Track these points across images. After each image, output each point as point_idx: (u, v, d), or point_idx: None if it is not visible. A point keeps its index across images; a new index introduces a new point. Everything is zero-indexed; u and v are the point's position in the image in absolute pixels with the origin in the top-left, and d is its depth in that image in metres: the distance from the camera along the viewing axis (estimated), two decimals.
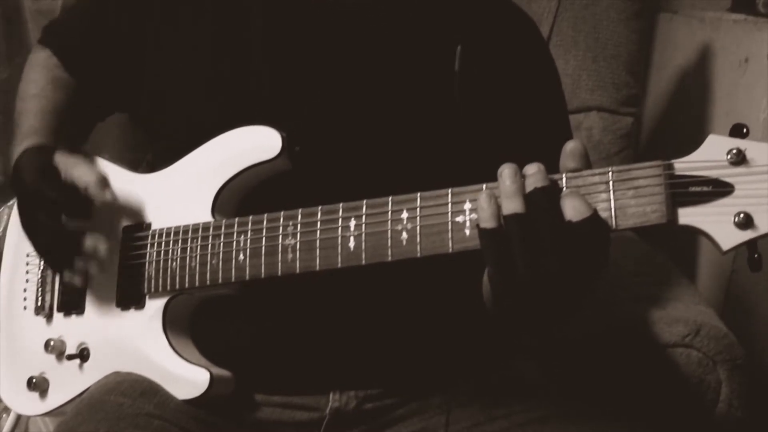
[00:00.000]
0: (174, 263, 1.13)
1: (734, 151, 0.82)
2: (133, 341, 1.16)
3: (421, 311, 1.19)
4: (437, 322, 1.20)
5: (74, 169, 1.14)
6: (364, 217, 0.99)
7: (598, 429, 1.11)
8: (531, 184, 0.86)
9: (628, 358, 1.40)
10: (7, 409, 1.40)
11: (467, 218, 0.92)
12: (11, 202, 1.44)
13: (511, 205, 0.86)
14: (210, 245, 1.11)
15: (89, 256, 1.15)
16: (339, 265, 1.00)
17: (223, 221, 1.10)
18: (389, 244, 0.96)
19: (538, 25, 1.99)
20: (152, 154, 1.28)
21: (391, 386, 1.20)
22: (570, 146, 0.89)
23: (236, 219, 1.09)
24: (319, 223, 1.02)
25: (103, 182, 1.13)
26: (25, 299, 1.29)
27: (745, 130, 0.83)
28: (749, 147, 0.82)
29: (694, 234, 0.84)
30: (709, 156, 0.83)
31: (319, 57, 1.18)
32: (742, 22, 1.87)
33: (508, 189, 0.87)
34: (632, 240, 1.83)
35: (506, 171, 0.87)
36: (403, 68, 1.18)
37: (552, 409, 1.16)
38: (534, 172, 0.87)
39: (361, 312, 1.16)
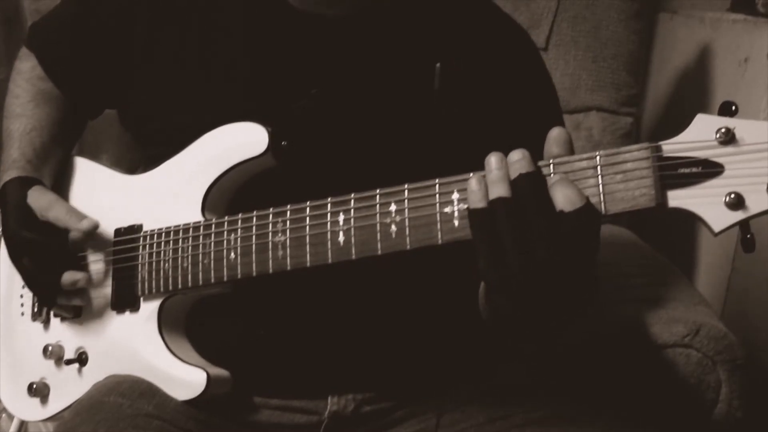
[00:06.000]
0: (166, 264, 1.13)
1: (723, 130, 0.80)
2: (130, 344, 1.16)
3: (418, 314, 1.18)
4: (433, 325, 1.19)
5: (49, 211, 1.18)
6: (352, 211, 0.98)
7: (597, 430, 1.11)
8: (516, 171, 0.85)
9: (627, 359, 1.40)
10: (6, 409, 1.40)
11: (455, 208, 0.91)
12: None
13: (497, 191, 0.85)
14: (201, 245, 1.10)
15: (70, 293, 1.19)
16: (329, 260, 1.00)
17: (213, 220, 1.10)
18: (378, 238, 0.96)
19: (538, 24, 2.00)
20: (143, 159, 1.28)
21: (389, 389, 1.20)
22: (554, 133, 0.88)
23: (226, 218, 1.09)
24: (308, 218, 1.02)
25: (79, 215, 1.17)
26: (22, 305, 1.29)
27: (734, 108, 0.81)
28: (738, 125, 0.80)
29: (685, 217, 0.83)
30: (697, 136, 0.82)
31: (304, 61, 1.17)
32: (742, 22, 1.86)
33: (494, 175, 0.86)
34: (632, 240, 1.83)
35: (492, 159, 0.87)
36: (383, 77, 1.17)
37: (551, 410, 1.15)
38: (518, 159, 0.86)
39: (357, 316, 1.16)
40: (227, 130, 1.12)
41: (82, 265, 1.20)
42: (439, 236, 0.92)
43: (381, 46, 1.18)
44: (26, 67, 1.35)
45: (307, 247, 1.01)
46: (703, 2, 2.12)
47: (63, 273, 1.17)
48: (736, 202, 0.80)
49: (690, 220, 0.79)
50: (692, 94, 2.02)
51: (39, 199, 1.20)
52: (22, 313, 1.29)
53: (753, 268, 1.71)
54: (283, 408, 1.19)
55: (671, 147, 0.83)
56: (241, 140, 1.10)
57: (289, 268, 1.03)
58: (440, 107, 1.15)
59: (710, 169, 0.81)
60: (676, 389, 1.38)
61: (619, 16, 2.02)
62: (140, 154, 1.28)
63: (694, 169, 0.81)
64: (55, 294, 1.19)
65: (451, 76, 1.15)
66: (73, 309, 1.21)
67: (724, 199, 0.80)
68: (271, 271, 1.04)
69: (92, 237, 1.19)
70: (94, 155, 1.33)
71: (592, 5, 2.03)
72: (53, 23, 1.36)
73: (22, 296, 1.29)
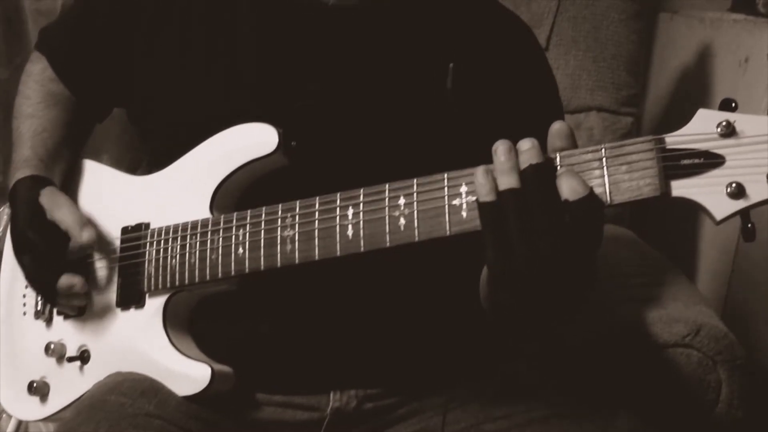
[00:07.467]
0: (173, 260, 1.13)
1: (724, 124, 0.82)
2: (134, 340, 1.16)
3: (421, 311, 1.19)
4: (437, 322, 1.20)
5: (57, 211, 1.18)
6: (361, 204, 0.99)
7: (598, 429, 1.11)
8: (525, 161, 0.87)
9: (628, 358, 1.40)
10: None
11: (463, 201, 0.92)
12: None
13: (506, 181, 0.86)
14: (209, 241, 1.11)
15: (69, 295, 1.19)
16: (338, 253, 1.00)
17: (222, 217, 1.11)
18: (387, 230, 0.96)
19: (539, 24, 2.01)
20: (148, 156, 1.28)
21: (391, 386, 1.20)
22: (556, 126, 0.89)
23: (234, 214, 1.10)
24: (317, 213, 1.02)
25: (83, 223, 1.17)
26: (24, 304, 1.29)
27: (734, 104, 0.83)
28: (738, 119, 0.82)
29: (686, 214, 0.84)
30: (699, 129, 0.83)
31: (310, 55, 1.18)
32: (742, 21, 1.87)
33: (503, 165, 0.87)
34: (632, 240, 1.84)
35: (501, 148, 0.88)
36: (393, 73, 1.17)
37: (552, 409, 1.15)
38: (528, 148, 0.87)
39: (360, 312, 1.17)
40: (237, 131, 1.13)
41: (88, 263, 1.21)
42: (448, 227, 0.93)
43: (391, 40, 1.19)
44: (37, 69, 1.36)
45: (316, 240, 1.02)
46: (704, 2, 2.13)
47: (60, 275, 1.18)
48: (737, 192, 0.81)
49: (690, 220, 0.81)
50: (692, 94, 2.02)
51: (50, 200, 1.20)
52: (24, 313, 1.29)
53: (753, 267, 1.71)
54: (285, 405, 1.19)
55: (674, 139, 0.84)
56: (251, 140, 1.11)
57: (297, 262, 1.03)
58: (452, 105, 1.15)
59: (712, 160, 0.83)
60: (676, 389, 1.38)
61: (619, 16, 2.02)
62: (146, 148, 1.29)
63: (696, 161, 0.83)
64: (54, 294, 1.19)
65: (464, 74, 1.15)
66: (77, 307, 1.21)
67: (725, 188, 0.82)
68: (279, 265, 1.05)
69: (94, 246, 1.19)
70: (94, 155, 1.34)
71: (592, 5, 2.03)
72: (62, 25, 1.38)
73: (24, 296, 1.30)
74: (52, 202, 1.20)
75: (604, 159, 0.86)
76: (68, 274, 1.18)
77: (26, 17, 2.07)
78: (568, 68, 2.01)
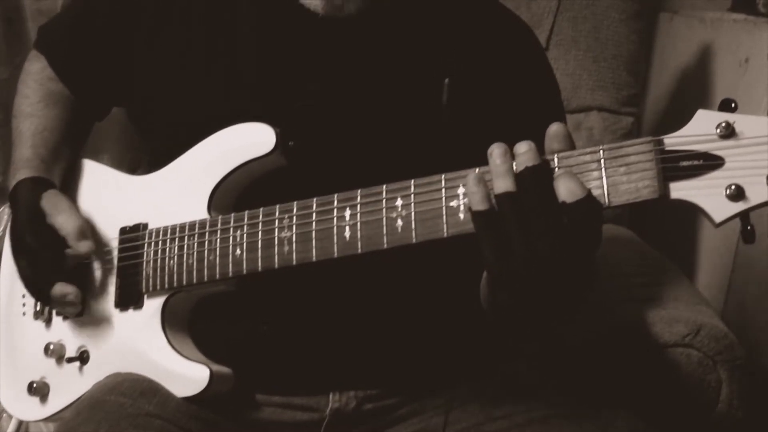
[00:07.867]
0: (171, 261, 1.13)
1: (723, 125, 0.82)
2: (133, 341, 1.16)
3: (420, 312, 1.19)
4: (437, 322, 1.20)
5: (57, 216, 1.18)
6: (358, 206, 0.99)
7: (598, 429, 1.11)
8: (522, 163, 0.86)
9: (628, 358, 1.40)
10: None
11: (461, 202, 0.92)
12: None
13: (502, 184, 0.86)
14: (207, 242, 1.11)
15: (58, 303, 1.18)
16: (335, 255, 1.00)
17: (219, 217, 1.11)
18: (384, 232, 0.96)
19: (539, 24, 2.00)
20: (148, 156, 1.28)
21: (390, 387, 1.20)
22: (553, 128, 0.89)
23: (232, 214, 1.10)
24: (314, 214, 1.02)
25: (82, 232, 1.17)
26: (24, 305, 1.29)
27: (733, 105, 0.83)
28: (738, 120, 0.82)
29: (685, 214, 0.84)
30: (698, 130, 0.83)
31: (310, 56, 1.18)
32: (742, 22, 1.87)
33: (498, 168, 0.87)
34: (632, 240, 1.84)
35: (496, 151, 0.87)
36: (390, 80, 1.17)
37: (552, 409, 1.15)
38: (525, 151, 0.86)
39: (360, 312, 1.16)
40: (234, 130, 1.12)
41: (87, 263, 1.20)
42: (445, 229, 0.92)
43: (390, 47, 1.18)
44: (36, 68, 1.36)
45: (313, 242, 1.02)
46: (704, 2, 2.13)
47: (55, 283, 1.17)
48: (737, 194, 0.81)
49: (690, 220, 0.80)
50: (692, 94, 2.02)
51: (51, 203, 1.20)
52: (24, 313, 1.29)
53: (754, 267, 1.71)
54: (285, 405, 1.19)
55: (673, 141, 0.84)
56: (248, 140, 1.11)
57: (294, 263, 1.03)
58: (448, 119, 1.15)
59: (711, 162, 0.82)
60: (676, 389, 1.38)
61: (619, 16, 2.02)
62: (146, 148, 1.29)
63: (695, 162, 0.83)
64: (48, 299, 1.19)
65: (459, 88, 1.15)
66: (75, 308, 1.21)
67: (724, 190, 0.81)
68: (276, 266, 1.05)
69: (91, 256, 1.19)
70: (94, 155, 1.34)
71: (592, 5, 2.03)
72: (61, 24, 1.37)
73: (24, 296, 1.29)
74: (53, 205, 1.19)
75: (602, 160, 0.86)
76: (62, 283, 1.16)
77: (26, 17, 2.07)
78: (568, 68, 2.01)
